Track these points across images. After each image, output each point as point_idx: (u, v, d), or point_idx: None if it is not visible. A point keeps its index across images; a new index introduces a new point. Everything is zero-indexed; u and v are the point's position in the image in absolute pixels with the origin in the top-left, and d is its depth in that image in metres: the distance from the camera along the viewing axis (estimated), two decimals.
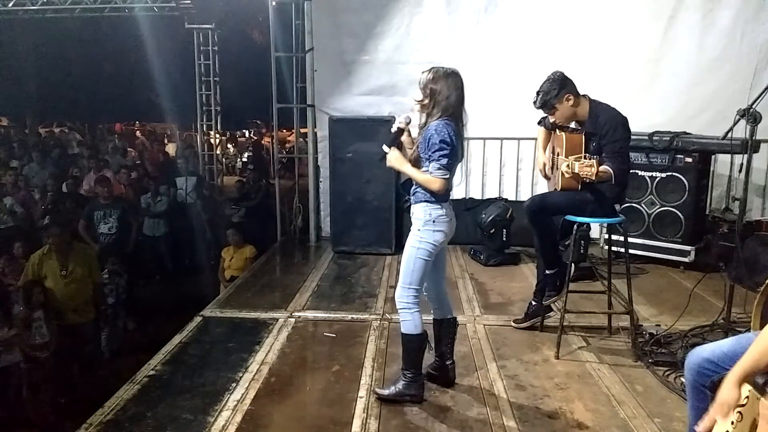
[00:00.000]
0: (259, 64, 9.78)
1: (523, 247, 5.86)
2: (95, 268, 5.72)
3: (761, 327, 1.97)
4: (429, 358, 3.19)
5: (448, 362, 3.21)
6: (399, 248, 5.30)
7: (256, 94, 10.84)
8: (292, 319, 4.28)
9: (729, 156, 5.51)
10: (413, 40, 6.46)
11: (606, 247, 4.55)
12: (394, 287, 3.09)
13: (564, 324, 3.64)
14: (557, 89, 3.51)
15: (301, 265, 6.03)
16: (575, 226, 3.59)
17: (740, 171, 3.78)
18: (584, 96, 3.60)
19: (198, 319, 4.30)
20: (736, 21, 5.97)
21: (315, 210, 6.80)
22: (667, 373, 3.33)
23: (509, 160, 6.66)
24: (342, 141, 6.06)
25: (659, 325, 3.97)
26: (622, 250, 3.70)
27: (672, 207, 5.38)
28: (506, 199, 6.42)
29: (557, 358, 3.57)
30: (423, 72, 2.96)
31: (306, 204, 6.92)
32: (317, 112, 6.63)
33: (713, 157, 5.62)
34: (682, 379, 2.97)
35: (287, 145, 13.34)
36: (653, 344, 3.65)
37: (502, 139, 6.53)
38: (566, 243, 4.07)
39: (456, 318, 3.27)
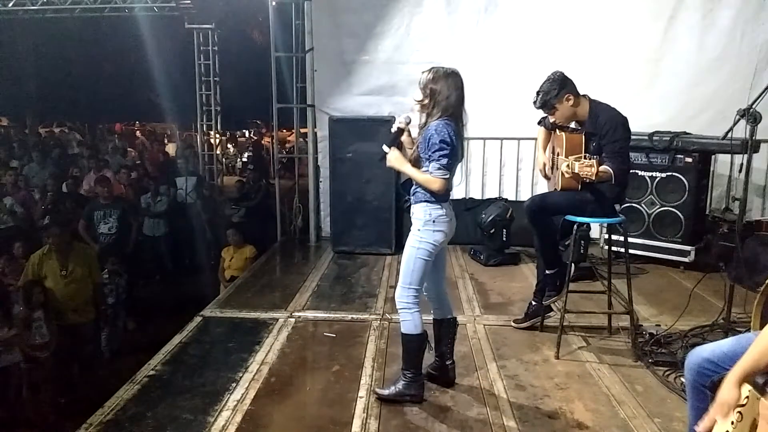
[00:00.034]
0: (259, 64, 9.78)
1: (523, 247, 5.86)
2: (95, 268, 5.72)
3: (761, 327, 1.97)
4: (429, 358, 3.19)
5: (448, 362, 3.21)
6: (399, 248, 5.30)
7: (256, 94, 10.84)
8: (292, 319, 4.28)
9: (729, 156, 5.51)
10: (413, 40, 6.46)
11: (606, 247, 4.55)
12: (394, 287, 3.09)
13: (564, 324, 3.64)
14: (557, 89, 3.51)
15: (301, 265, 6.03)
16: (575, 226, 3.59)
17: (740, 171, 3.78)
18: (584, 96, 3.60)
19: (198, 319, 4.30)
20: (736, 21, 5.97)
21: (315, 210, 6.80)
22: (667, 373, 3.33)
23: (509, 160, 6.66)
24: (342, 141, 6.06)
25: (659, 325, 3.97)
26: (622, 250, 3.70)
27: (672, 207, 5.38)
28: (506, 199, 6.42)
29: (557, 358, 3.57)
30: (423, 72, 2.96)
31: (306, 204, 6.92)
32: (317, 112, 6.63)
33: (713, 157, 5.62)
34: (682, 379, 2.97)
35: (287, 145, 13.34)
36: (653, 344, 3.65)
37: (502, 139, 6.53)
38: (566, 243, 4.07)
39: (456, 318, 3.27)
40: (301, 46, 6.67)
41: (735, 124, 3.51)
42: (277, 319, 4.26)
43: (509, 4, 6.33)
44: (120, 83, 18.33)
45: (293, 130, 9.82)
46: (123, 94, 18.47)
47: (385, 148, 3.02)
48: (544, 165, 3.94)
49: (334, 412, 2.98)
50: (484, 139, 6.47)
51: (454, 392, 3.17)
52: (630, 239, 3.96)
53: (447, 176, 2.88)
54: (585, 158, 3.35)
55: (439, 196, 2.92)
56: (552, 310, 4.03)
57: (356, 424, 2.86)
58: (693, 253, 5.32)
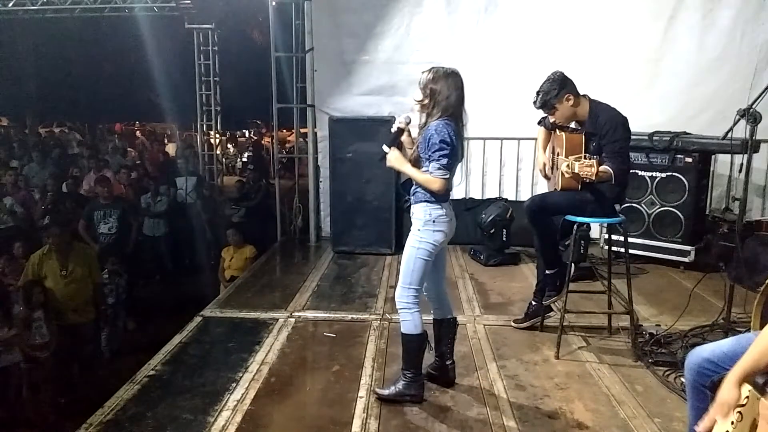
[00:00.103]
0: (259, 64, 9.78)
1: (523, 247, 5.86)
2: (95, 268, 5.72)
3: (761, 327, 1.97)
4: (429, 358, 3.19)
5: (448, 362, 3.21)
6: (399, 248, 5.30)
7: (256, 94, 10.84)
8: (292, 319, 4.28)
9: (729, 156, 5.51)
10: (413, 40, 6.46)
11: (606, 247, 4.55)
12: (394, 287, 3.09)
13: (564, 324, 3.63)
14: (557, 89, 3.51)
15: (301, 265, 6.03)
16: (575, 226, 3.59)
17: (740, 171, 3.78)
18: (584, 96, 3.60)
19: (198, 319, 4.30)
20: (736, 21, 5.97)
21: (315, 210, 6.80)
22: (667, 373, 3.33)
23: (509, 160, 6.66)
24: (342, 141, 6.06)
25: (659, 325, 3.97)
26: (622, 250, 3.70)
27: (672, 207, 5.38)
28: (506, 199, 6.42)
29: (557, 358, 3.57)
30: (423, 72, 2.96)
31: (306, 204, 6.92)
32: (317, 112, 6.63)
33: (713, 157, 5.62)
34: (682, 379, 2.97)
35: (287, 145, 13.34)
36: (653, 344, 3.65)
37: (502, 139, 6.53)
38: (566, 243, 4.07)
39: (456, 318, 3.27)
40: (301, 46, 6.67)
41: (735, 124, 3.51)
42: (277, 319, 4.26)
43: (509, 4, 6.33)
44: (120, 83, 18.33)
45: (293, 130, 9.82)
46: (123, 94, 18.47)
47: (385, 148, 3.02)
48: (544, 165, 3.94)
49: (334, 412, 2.98)
50: (484, 139, 6.47)
51: (454, 392, 3.17)
52: (630, 239, 3.96)
53: (447, 176, 2.88)
54: (585, 158, 3.35)
55: (439, 196, 2.92)
56: (552, 310, 4.03)
57: (356, 424, 2.86)
58: (693, 253, 5.32)
